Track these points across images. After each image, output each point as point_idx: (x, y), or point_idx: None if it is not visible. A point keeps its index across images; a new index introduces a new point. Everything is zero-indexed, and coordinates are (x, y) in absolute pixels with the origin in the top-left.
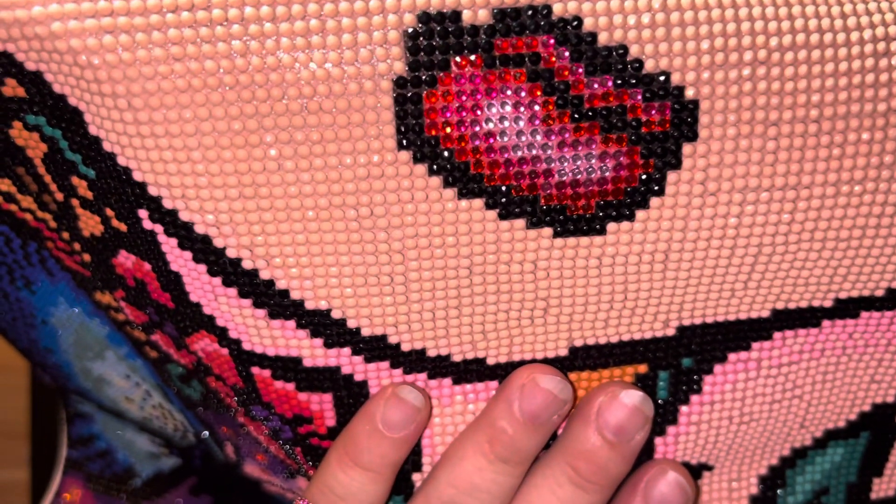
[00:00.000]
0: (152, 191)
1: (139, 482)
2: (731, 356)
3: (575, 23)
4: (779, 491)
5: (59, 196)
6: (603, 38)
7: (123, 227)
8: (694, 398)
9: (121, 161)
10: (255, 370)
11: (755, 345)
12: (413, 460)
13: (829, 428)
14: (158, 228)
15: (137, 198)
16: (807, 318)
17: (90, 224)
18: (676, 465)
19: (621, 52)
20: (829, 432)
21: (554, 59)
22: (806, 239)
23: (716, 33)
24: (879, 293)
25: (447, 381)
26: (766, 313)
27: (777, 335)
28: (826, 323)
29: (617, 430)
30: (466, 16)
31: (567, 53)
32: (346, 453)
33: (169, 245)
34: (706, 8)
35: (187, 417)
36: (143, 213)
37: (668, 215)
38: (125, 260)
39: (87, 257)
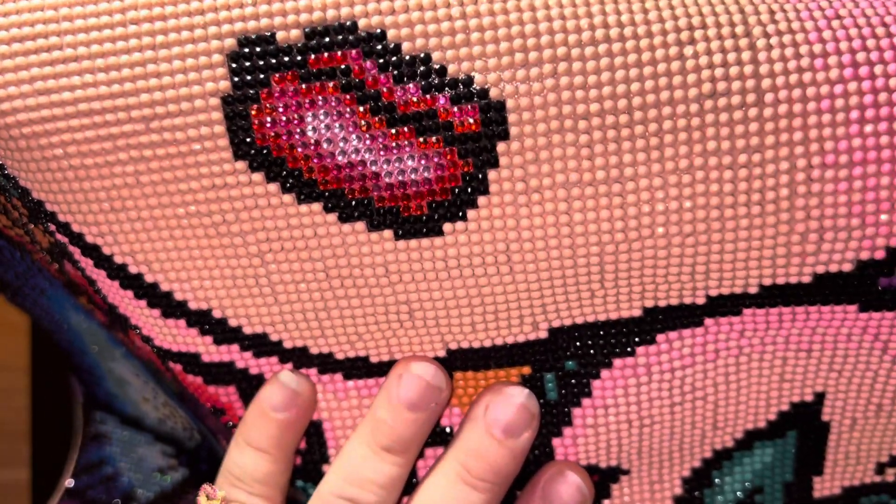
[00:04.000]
0: (48, 207)
1: None
2: (617, 361)
3: (379, 35)
4: (705, 490)
5: (16, 214)
6: (407, 48)
7: (52, 239)
8: (585, 401)
9: (21, 182)
10: (171, 364)
11: (640, 349)
12: (321, 452)
13: (749, 429)
14: (65, 240)
15: (43, 214)
16: (684, 316)
17: (40, 237)
18: (575, 466)
19: (425, 59)
20: (751, 433)
21: (363, 70)
22: (647, 235)
23: (513, 35)
24: (752, 290)
25: (338, 376)
26: (636, 312)
27: (660, 338)
28: (708, 321)
29: (505, 427)
30: (280, 36)
31: (373, 65)
32: (241, 436)
33: (77, 254)
34: (504, 13)
35: (187, 413)
36: (52, 227)
37: (497, 213)
38: (70, 268)
39: (56, 266)
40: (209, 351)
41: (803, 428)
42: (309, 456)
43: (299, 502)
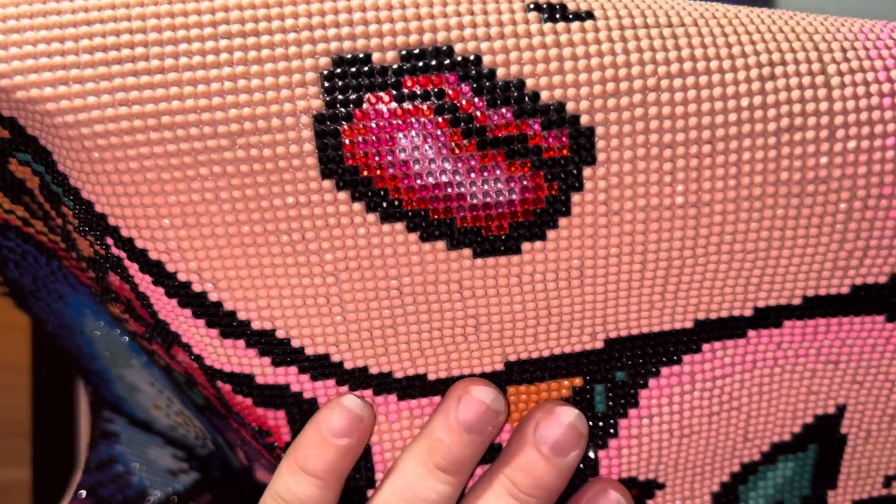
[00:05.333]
0: (111, 221)
1: None
2: (664, 370)
3: (475, 60)
4: None
5: (59, 221)
6: (501, 74)
7: (102, 252)
8: (632, 412)
9: (84, 195)
10: (220, 384)
11: (686, 358)
12: (367, 477)
13: (775, 441)
14: (123, 254)
15: (102, 227)
16: (730, 327)
17: (84, 246)
18: (617, 484)
19: (519, 85)
20: (776, 446)
21: (457, 94)
22: (713, 252)
23: (606, 65)
24: (796, 301)
25: (392, 397)
26: (688, 324)
27: (706, 347)
28: (751, 333)
29: (554, 445)
30: (376, 57)
31: (469, 89)
32: (295, 461)
33: (133, 269)
34: (596, 42)
35: (203, 424)
36: (109, 241)
37: (577, 234)
38: (114, 279)
39: (92, 274)
40: (265, 373)
41: (823, 440)
42: (353, 481)
43: None
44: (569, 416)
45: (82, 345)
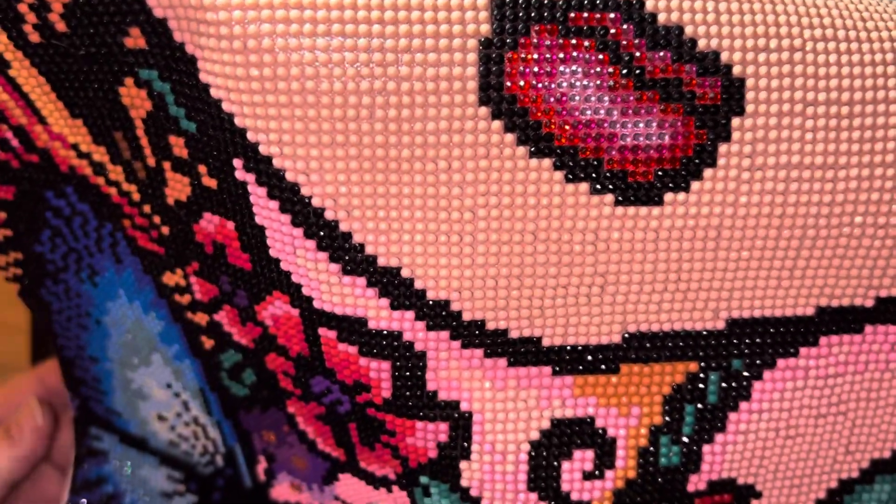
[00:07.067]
0: (251, 136)
1: None
2: (780, 362)
3: (638, 4)
4: None
5: (152, 161)
6: (662, 18)
7: (214, 184)
8: (743, 405)
9: (225, 107)
10: (322, 332)
11: (803, 350)
12: (463, 447)
13: (875, 458)
14: (250, 178)
15: (236, 146)
16: (849, 320)
17: (177, 188)
18: None
19: (678, 31)
20: (875, 463)
21: (620, 32)
22: (846, 223)
23: (758, 21)
24: None
25: (502, 362)
26: (810, 310)
27: (823, 340)
28: (868, 329)
29: None
30: None
31: (632, 29)
32: None
33: (257, 195)
34: (749, 1)
35: (223, 431)
36: (238, 163)
37: (720, 188)
38: (207, 224)
39: (165, 230)
40: (380, 316)
41: None
42: (447, 451)
43: None
44: None
45: (88, 343)
